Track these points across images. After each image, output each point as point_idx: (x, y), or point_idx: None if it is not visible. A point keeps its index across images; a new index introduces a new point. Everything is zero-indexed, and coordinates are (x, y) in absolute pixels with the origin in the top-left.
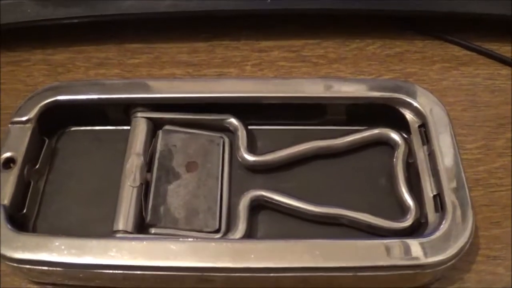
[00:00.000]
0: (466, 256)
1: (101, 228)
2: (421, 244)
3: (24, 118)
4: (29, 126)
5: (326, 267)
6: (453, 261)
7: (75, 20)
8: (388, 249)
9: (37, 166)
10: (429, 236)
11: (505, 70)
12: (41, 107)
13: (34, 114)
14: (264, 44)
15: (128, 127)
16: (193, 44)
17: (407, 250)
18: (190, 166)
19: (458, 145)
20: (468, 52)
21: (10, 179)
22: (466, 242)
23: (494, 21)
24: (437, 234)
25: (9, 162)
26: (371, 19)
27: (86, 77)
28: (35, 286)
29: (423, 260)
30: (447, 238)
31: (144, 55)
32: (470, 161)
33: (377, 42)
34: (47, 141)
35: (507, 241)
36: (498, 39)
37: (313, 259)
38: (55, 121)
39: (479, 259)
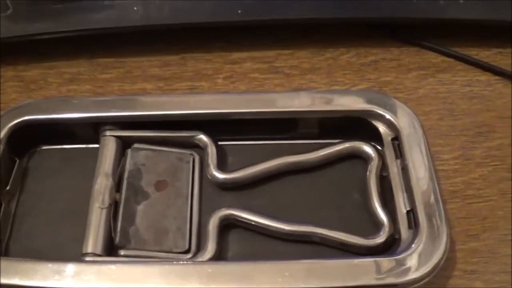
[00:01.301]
0: (442, 271)
1: (73, 250)
2: (394, 262)
3: None
4: None
5: None
6: (427, 279)
7: (46, 36)
8: (360, 269)
9: (8, 187)
10: (401, 254)
11: (484, 76)
12: (10, 127)
13: (4, 134)
14: (237, 55)
15: (97, 145)
16: (165, 57)
17: (380, 269)
18: (160, 185)
19: (434, 157)
20: (446, 59)
21: None
22: (441, 259)
23: (472, 26)
24: (410, 251)
25: None
26: (346, 27)
27: (58, 93)
28: None
29: (397, 279)
30: (421, 255)
31: (115, 69)
32: (447, 172)
33: (351, 50)
34: (17, 161)
35: (486, 254)
36: (477, 45)
37: (283, 281)
38: (25, 140)
39: (456, 274)
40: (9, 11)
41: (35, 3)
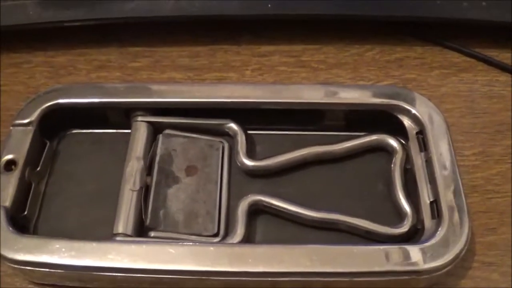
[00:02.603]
0: (462, 262)
1: (101, 231)
2: (418, 250)
3: (25, 121)
4: (31, 128)
5: (323, 272)
6: (449, 267)
7: (77, 23)
8: (384, 255)
9: (38, 169)
10: (425, 243)
11: (503, 77)
12: (42, 109)
13: (36, 116)
14: (264, 49)
15: (128, 130)
16: (194, 48)
17: (403, 256)
18: (190, 170)
19: (456, 152)
20: (467, 59)
21: (11, 181)
22: (462, 249)
23: (494, 27)
24: (434, 240)
25: (11, 164)
26: (371, 25)
27: (88, 79)
28: (36, 287)
29: (419, 266)
30: (443, 244)
31: (145, 58)
32: (468, 168)
33: (376, 47)
34: (48, 143)
35: (503, 248)
36: (498, 46)
37: (311, 264)
38: (56, 123)
39: (475, 265)
40: None
41: None
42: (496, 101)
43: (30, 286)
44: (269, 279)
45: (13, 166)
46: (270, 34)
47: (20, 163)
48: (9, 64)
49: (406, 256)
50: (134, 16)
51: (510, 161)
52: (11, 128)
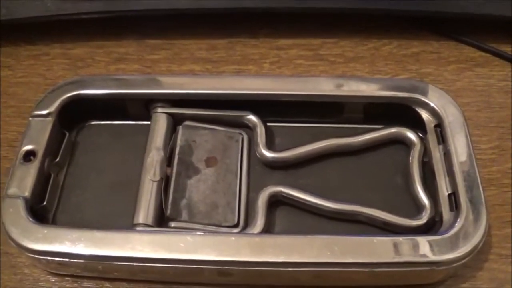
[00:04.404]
0: (479, 255)
1: (120, 222)
2: (436, 241)
3: (44, 112)
4: (50, 119)
5: (343, 262)
6: (466, 259)
7: (95, 15)
8: (404, 246)
9: (57, 159)
10: (443, 234)
11: None
12: (62, 100)
13: (55, 107)
14: (282, 42)
15: (147, 122)
16: (212, 41)
17: (422, 248)
18: (210, 161)
19: (473, 145)
20: (483, 54)
21: (31, 171)
22: (480, 241)
23: (510, 23)
24: (452, 232)
25: (30, 154)
26: (388, 19)
27: (106, 71)
28: (54, 278)
29: (437, 258)
30: (461, 236)
31: (163, 51)
32: (484, 161)
33: (393, 42)
34: (67, 134)
35: None
36: None
37: (331, 254)
38: (75, 115)
39: (491, 258)
40: None
41: None
42: None
43: (48, 277)
44: (289, 269)
45: (32, 157)
46: (288, 27)
47: (40, 153)
48: (27, 56)
49: (425, 247)
50: (153, 9)
51: None
52: (29, 119)
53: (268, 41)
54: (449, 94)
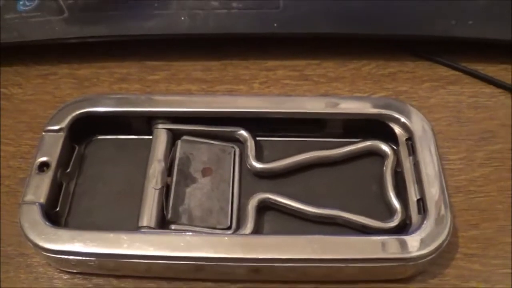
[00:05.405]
0: (446, 254)
1: (126, 225)
2: (406, 240)
3: (56, 127)
4: (61, 134)
5: (323, 258)
6: (433, 255)
7: (100, 39)
8: (377, 244)
9: (68, 170)
10: (412, 234)
11: (488, 89)
12: (72, 117)
13: (66, 123)
14: (271, 63)
15: (149, 137)
16: (207, 62)
17: (393, 246)
18: (205, 172)
19: (441, 156)
20: (455, 72)
21: (45, 181)
22: (444, 240)
23: (479, 44)
24: (419, 232)
25: (44, 166)
26: (368, 42)
27: (110, 90)
28: (66, 276)
29: (407, 255)
30: (428, 235)
31: (162, 71)
32: (453, 171)
33: (372, 63)
34: (77, 147)
35: (483, 241)
36: (483, 60)
37: (313, 252)
38: (84, 130)
39: (458, 257)
40: (65, 15)
41: (90, 8)
42: (481, 111)
43: (61, 274)
44: (276, 264)
45: (45, 168)
46: (276, 50)
47: (53, 165)
48: (36, 75)
49: (396, 245)
50: (153, 34)
51: (492, 164)
52: (43, 133)
53: (258, 63)
54: (420, 111)
